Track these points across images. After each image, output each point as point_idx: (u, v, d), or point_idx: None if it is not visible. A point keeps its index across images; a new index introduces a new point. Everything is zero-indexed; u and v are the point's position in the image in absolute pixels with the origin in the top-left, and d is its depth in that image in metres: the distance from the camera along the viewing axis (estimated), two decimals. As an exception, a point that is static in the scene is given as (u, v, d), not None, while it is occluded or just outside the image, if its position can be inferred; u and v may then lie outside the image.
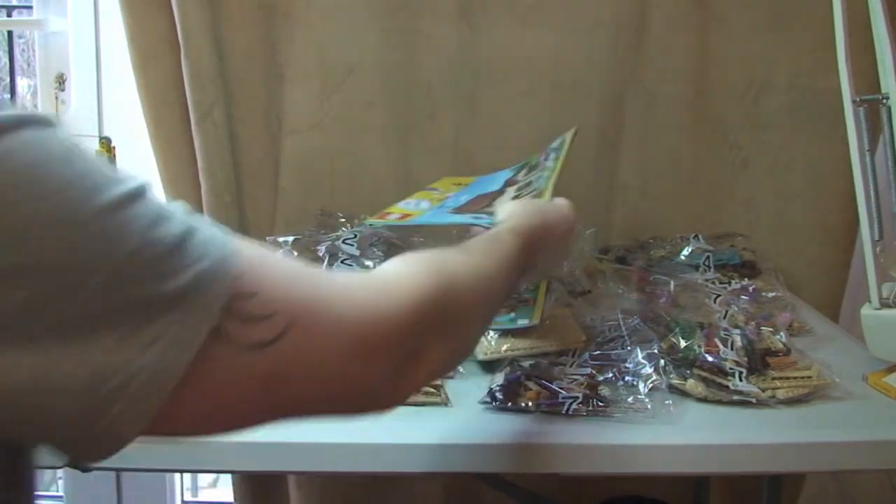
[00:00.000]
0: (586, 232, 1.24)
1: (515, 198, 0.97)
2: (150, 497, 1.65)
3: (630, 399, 0.86)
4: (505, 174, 1.09)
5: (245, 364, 0.41)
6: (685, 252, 1.26)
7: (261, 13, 1.30)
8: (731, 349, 0.93)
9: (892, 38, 0.92)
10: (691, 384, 0.90)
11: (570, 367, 0.92)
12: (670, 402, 0.87)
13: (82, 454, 0.39)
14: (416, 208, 1.03)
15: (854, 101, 0.95)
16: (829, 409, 0.89)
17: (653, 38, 1.32)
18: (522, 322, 0.96)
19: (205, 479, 1.98)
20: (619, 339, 0.98)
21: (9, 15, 1.66)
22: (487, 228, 0.81)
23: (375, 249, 1.13)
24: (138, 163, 1.33)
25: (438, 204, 1.04)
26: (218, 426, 0.44)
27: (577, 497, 1.39)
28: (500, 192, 1.03)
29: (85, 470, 0.80)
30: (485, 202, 1.00)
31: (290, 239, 1.16)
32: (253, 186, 1.36)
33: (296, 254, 1.12)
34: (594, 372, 0.91)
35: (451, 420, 0.85)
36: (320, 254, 1.12)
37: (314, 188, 1.36)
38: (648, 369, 0.90)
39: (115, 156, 1.26)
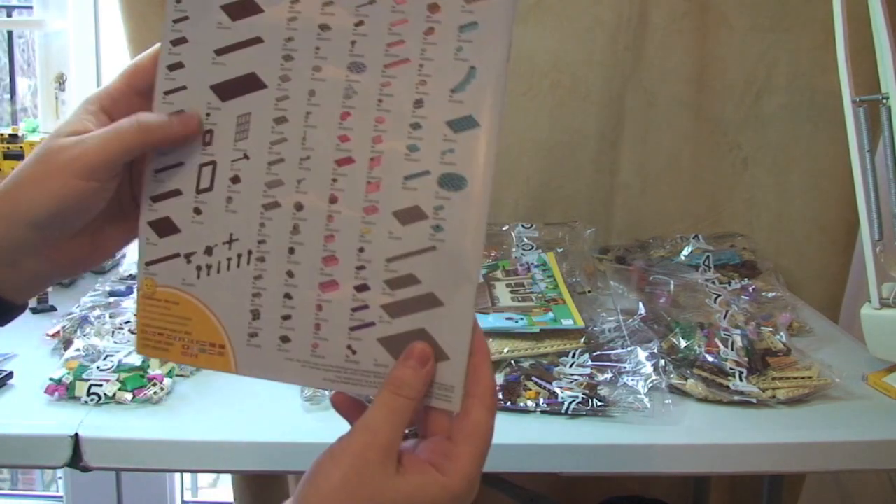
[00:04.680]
0: (586, 232, 1.24)
1: (513, 293, 1.05)
2: (150, 497, 1.65)
3: (630, 399, 0.86)
4: None
5: None
6: (685, 252, 1.26)
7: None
8: (732, 349, 0.93)
9: (892, 38, 0.92)
10: (691, 384, 0.90)
11: (570, 367, 0.92)
12: (670, 402, 0.87)
13: None
14: None
15: (854, 101, 0.95)
16: (829, 409, 0.89)
17: (653, 38, 1.32)
18: (568, 323, 0.98)
19: (205, 479, 1.98)
20: (619, 339, 0.98)
21: (9, 15, 1.66)
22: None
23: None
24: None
25: None
26: None
27: (577, 497, 1.39)
28: (484, 284, 1.08)
29: (85, 470, 0.80)
30: (479, 294, 1.05)
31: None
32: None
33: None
34: (594, 372, 0.91)
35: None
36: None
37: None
38: (648, 369, 0.90)
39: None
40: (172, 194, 0.51)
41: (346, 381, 0.50)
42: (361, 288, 0.49)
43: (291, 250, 0.50)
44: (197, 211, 0.51)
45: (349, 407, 0.51)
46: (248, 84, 0.50)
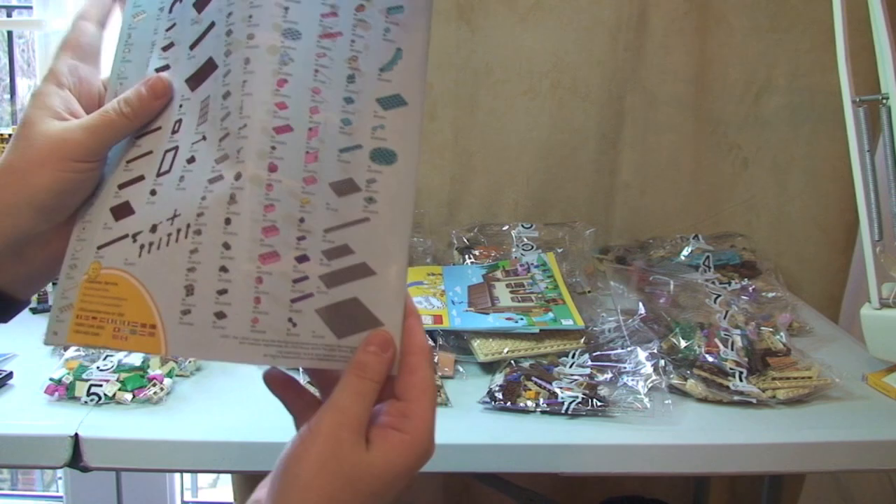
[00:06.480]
0: (586, 232, 1.24)
1: (513, 293, 1.06)
2: (150, 497, 1.65)
3: (630, 399, 0.86)
4: (475, 268, 1.15)
5: None
6: (685, 252, 1.26)
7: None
8: (732, 349, 0.93)
9: (892, 38, 0.92)
10: (691, 384, 0.90)
11: (570, 367, 0.92)
12: (670, 402, 0.87)
13: None
14: (429, 307, 1.04)
15: (854, 101, 0.95)
16: (829, 409, 0.89)
17: (653, 38, 1.32)
18: (568, 323, 0.98)
19: (205, 479, 1.98)
20: (619, 339, 0.98)
21: (9, 15, 1.66)
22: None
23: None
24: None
25: (446, 299, 1.06)
26: None
27: (577, 497, 1.39)
28: (484, 284, 1.10)
29: (85, 470, 0.80)
30: (479, 294, 1.07)
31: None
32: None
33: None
34: (594, 372, 0.91)
35: (451, 420, 0.85)
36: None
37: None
38: (648, 369, 0.90)
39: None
40: (137, 180, 0.51)
41: (287, 356, 0.48)
42: (302, 259, 0.48)
43: (228, 221, 0.48)
44: (153, 192, 0.51)
45: (280, 384, 0.52)
46: (208, 69, 0.51)
